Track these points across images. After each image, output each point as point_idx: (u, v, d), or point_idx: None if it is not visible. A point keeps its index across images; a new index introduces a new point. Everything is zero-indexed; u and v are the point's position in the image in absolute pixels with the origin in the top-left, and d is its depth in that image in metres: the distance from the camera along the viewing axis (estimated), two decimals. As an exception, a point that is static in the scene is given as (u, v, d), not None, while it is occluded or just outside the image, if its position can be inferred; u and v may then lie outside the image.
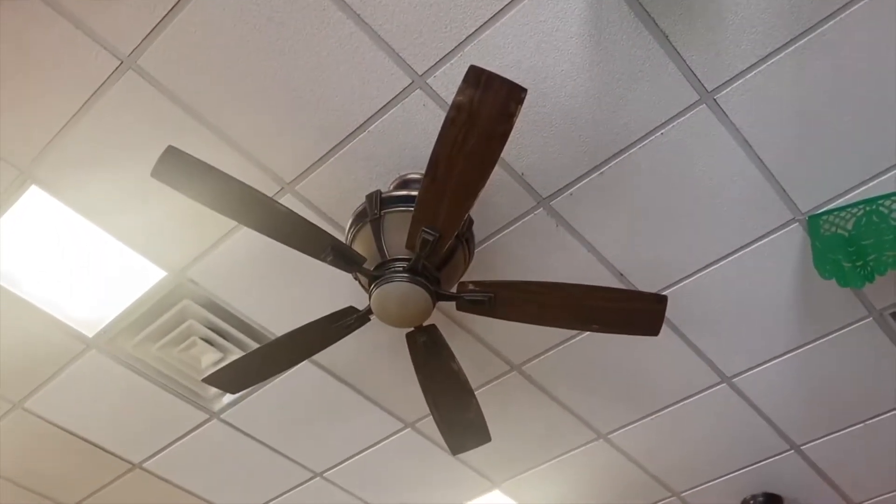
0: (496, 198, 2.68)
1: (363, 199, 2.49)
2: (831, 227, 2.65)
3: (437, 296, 2.39)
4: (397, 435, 3.65)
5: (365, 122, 2.49)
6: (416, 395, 2.98)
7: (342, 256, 2.32)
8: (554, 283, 2.45)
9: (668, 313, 2.86)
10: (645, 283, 2.94)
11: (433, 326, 2.53)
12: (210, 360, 3.25)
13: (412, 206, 2.23)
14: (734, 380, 3.32)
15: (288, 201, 2.68)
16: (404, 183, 2.57)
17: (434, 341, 2.55)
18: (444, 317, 3.06)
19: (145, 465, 3.79)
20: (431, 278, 2.36)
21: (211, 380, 2.73)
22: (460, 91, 1.93)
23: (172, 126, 2.49)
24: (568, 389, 3.40)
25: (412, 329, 2.52)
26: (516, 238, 2.81)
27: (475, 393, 2.74)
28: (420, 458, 3.79)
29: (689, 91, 2.40)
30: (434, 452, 3.74)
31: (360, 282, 2.45)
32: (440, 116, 2.38)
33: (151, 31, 2.27)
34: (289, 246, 2.31)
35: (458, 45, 2.30)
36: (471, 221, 2.55)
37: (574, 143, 2.53)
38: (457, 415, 2.78)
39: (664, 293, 2.89)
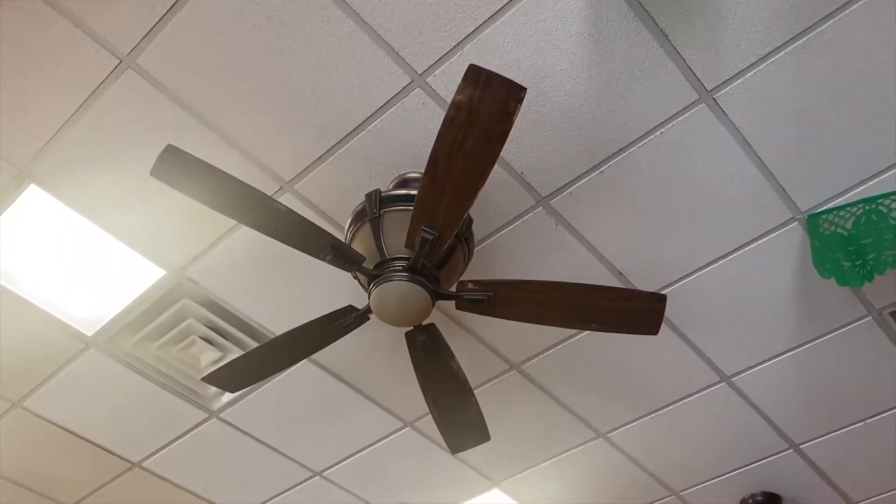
0: (496, 197, 2.68)
1: (362, 198, 2.49)
2: (831, 227, 2.65)
3: (437, 295, 2.38)
4: (397, 434, 3.65)
5: (364, 121, 2.49)
6: (415, 394, 2.98)
7: (341, 255, 2.32)
8: (553, 282, 2.45)
9: (667, 312, 2.87)
10: (644, 282, 2.94)
11: (432, 325, 2.53)
12: (209, 358, 3.25)
13: (412, 205, 2.23)
14: (733, 379, 3.32)
15: (287, 200, 2.68)
16: (404, 182, 2.57)
17: (433, 340, 2.55)
18: (444, 316, 3.06)
19: (145, 464, 3.79)
20: (431, 277, 2.35)
21: (210, 379, 2.73)
22: (460, 90, 1.93)
23: (172, 125, 2.49)
24: (567, 388, 3.40)
25: (411, 328, 2.52)
26: (516, 237, 2.81)
27: (474, 392, 2.74)
28: (419, 458, 3.79)
29: (689, 90, 2.40)
30: (433, 451, 3.74)
31: (359, 281, 2.45)
32: (440, 115, 2.38)
33: (150, 30, 2.27)
34: (288, 245, 2.31)
35: (458, 43, 2.30)
36: (470, 220, 2.54)
37: (573, 142, 2.53)
38: (456, 414, 2.78)
39: (663, 292, 2.90)
